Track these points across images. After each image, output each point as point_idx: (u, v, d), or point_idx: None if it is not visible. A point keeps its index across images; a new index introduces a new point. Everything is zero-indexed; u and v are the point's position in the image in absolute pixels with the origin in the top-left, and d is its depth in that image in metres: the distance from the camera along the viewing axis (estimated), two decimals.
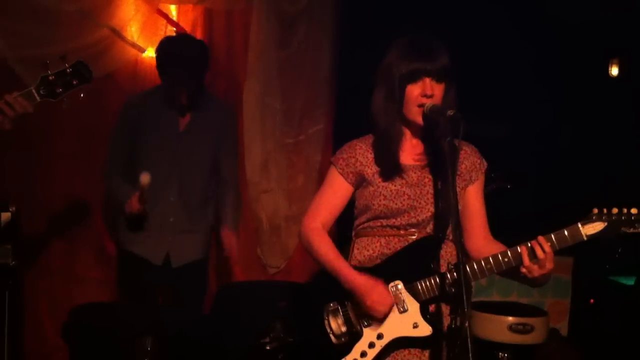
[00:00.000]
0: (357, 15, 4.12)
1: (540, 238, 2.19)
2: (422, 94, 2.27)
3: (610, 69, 5.37)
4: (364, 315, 2.29)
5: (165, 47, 3.32)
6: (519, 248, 2.21)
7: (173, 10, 3.84)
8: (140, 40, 3.64)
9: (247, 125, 3.76)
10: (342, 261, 2.36)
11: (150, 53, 3.69)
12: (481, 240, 2.42)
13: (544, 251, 2.17)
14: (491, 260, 2.23)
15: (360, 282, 2.27)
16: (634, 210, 2.16)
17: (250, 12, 3.83)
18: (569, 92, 5.25)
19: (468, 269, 2.23)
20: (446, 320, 2.24)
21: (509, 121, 5.47)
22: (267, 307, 3.03)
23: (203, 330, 2.96)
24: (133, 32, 3.64)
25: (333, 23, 4.05)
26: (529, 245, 2.19)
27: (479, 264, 2.24)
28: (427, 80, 2.27)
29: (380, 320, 2.27)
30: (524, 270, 2.20)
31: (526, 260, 2.19)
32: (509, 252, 2.22)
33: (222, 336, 3.04)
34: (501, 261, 2.22)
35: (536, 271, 2.19)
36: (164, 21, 3.79)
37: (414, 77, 2.28)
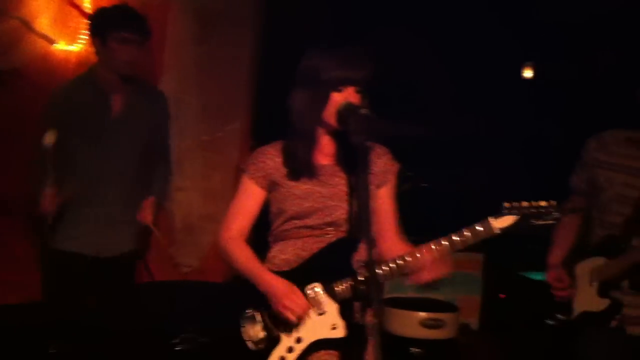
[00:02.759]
0: (279, 13, 4.12)
1: (426, 246, 2.25)
2: (346, 100, 2.28)
3: (523, 71, 5.57)
4: (282, 320, 2.29)
5: (109, 10, 3.23)
6: (417, 252, 2.26)
7: (87, 2, 3.73)
8: (51, 32, 3.52)
9: None
10: (259, 266, 2.36)
11: (61, 46, 3.58)
12: (391, 241, 2.45)
13: (431, 257, 2.23)
14: (396, 262, 2.26)
15: (275, 286, 2.28)
16: (542, 203, 2.23)
17: (168, 7, 3.76)
18: (485, 93, 5.40)
19: (383, 269, 2.26)
20: (361, 319, 2.27)
21: (427, 121, 5.59)
22: (179, 308, 3.00)
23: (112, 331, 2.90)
24: (44, 23, 3.51)
25: (254, 20, 4.02)
26: (426, 248, 2.25)
27: (387, 264, 2.27)
28: (352, 88, 2.29)
29: (296, 324, 2.27)
30: (413, 277, 2.27)
31: (415, 266, 2.24)
32: (408, 256, 2.26)
33: (132, 336, 2.99)
34: (402, 264, 2.26)
35: (425, 277, 2.25)
36: (77, 13, 3.68)
37: (341, 85, 2.29)
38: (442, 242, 2.26)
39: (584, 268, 2.98)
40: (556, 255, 3.09)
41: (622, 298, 2.88)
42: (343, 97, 2.29)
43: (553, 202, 2.25)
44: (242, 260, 2.39)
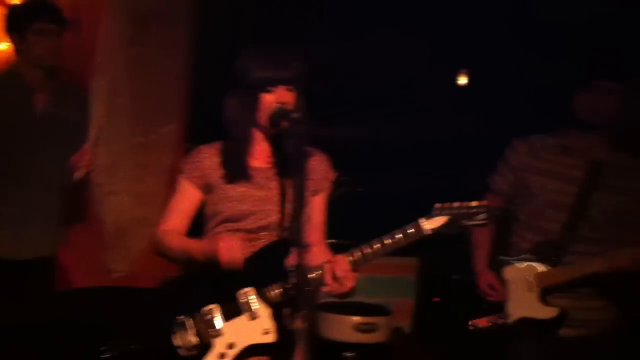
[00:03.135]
0: (214, 14, 4.08)
1: (340, 256, 2.25)
2: (277, 101, 2.29)
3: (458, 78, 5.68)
4: (213, 326, 2.27)
5: (23, 5, 3.22)
6: (324, 265, 2.26)
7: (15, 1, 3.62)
8: None
9: (94, 124, 3.62)
10: (191, 240, 2.35)
11: None
12: (316, 249, 2.42)
13: (342, 270, 2.23)
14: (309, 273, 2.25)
15: (209, 248, 2.24)
16: (473, 204, 2.27)
17: (100, 8, 3.69)
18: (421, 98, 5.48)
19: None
20: (293, 324, 2.25)
21: (365, 125, 5.64)
22: (108, 314, 2.93)
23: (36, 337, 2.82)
24: None
25: (188, 21, 3.97)
26: (331, 264, 2.24)
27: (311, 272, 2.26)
28: (282, 88, 2.29)
29: (230, 328, 2.25)
30: (326, 289, 2.27)
31: (328, 278, 2.25)
32: (317, 269, 2.26)
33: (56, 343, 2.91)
34: (314, 277, 2.26)
35: (337, 289, 2.25)
36: (3, 10, 3.57)
37: (269, 85, 2.28)
38: (355, 253, 2.26)
39: (515, 272, 2.97)
40: (481, 259, 3.10)
41: (560, 303, 2.88)
42: (274, 97, 2.29)
43: (483, 203, 2.29)
44: (176, 243, 2.37)
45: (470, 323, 3.03)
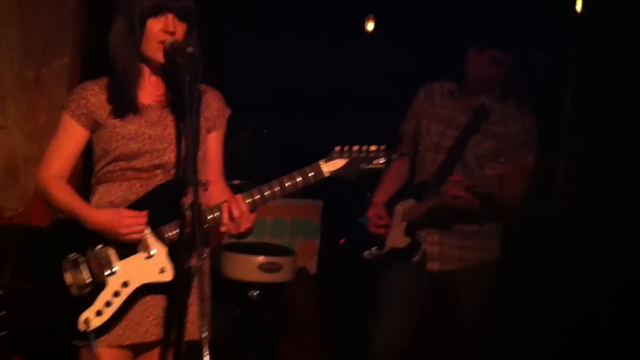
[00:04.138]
0: None
1: (238, 196, 2.24)
2: (164, 29, 2.20)
3: (366, 24, 5.64)
4: (108, 264, 2.21)
5: None
6: (222, 205, 2.24)
7: None
8: None
9: None
10: (82, 203, 2.26)
11: None
12: (215, 187, 2.42)
13: (239, 210, 2.22)
14: (206, 212, 2.24)
15: (104, 218, 2.19)
16: (372, 148, 2.28)
17: None
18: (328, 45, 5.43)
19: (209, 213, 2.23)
20: (187, 263, 2.22)
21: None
22: None
23: None
24: None
25: None
26: (228, 204, 2.23)
27: (209, 212, 2.25)
28: (170, 16, 2.20)
29: (125, 266, 2.21)
30: (223, 228, 2.25)
31: (225, 218, 2.23)
32: (215, 209, 2.25)
33: None
34: (212, 216, 2.24)
35: (233, 230, 2.25)
36: None
37: (156, 12, 2.19)
38: (254, 194, 2.24)
39: (399, 209, 3.15)
40: (380, 195, 3.23)
41: (425, 237, 3.08)
42: (161, 26, 2.20)
43: (382, 147, 2.30)
44: (61, 198, 2.27)
45: (362, 255, 3.20)
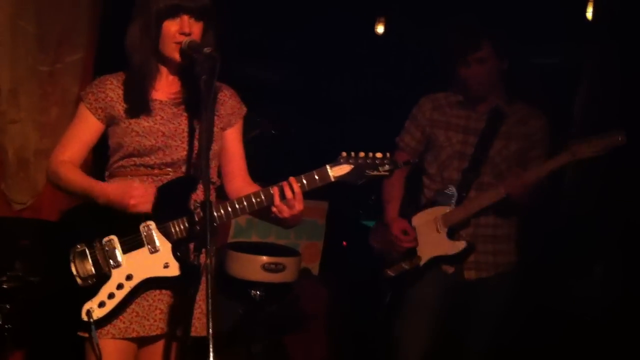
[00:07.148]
0: None
1: (291, 179, 2.27)
2: (180, 31, 2.24)
3: (376, 27, 5.67)
4: (112, 257, 2.24)
5: None
6: (271, 189, 2.28)
7: None
8: None
9: None
10: (93, 180, 2.30)
11: None
12: (240, 182, 2.47)
13: (292, 192, 2.25)
14: (244, 200, 2.27)
15: (113, 191, 2.23)
16: (378, 155, 2.32)
17: None
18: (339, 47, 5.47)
19: (225, 209, 2.26)
20: (195, 260, 2.25)
21: (279, 66, 5.59)
22: (7, 245, 2.85)
23: None
24: None
25: None
26: (280, 185, 2.27)
27: (232, 204, 2.27)
28: (186, 17, 2.24)
29: (129, 260, 2.23)
30: (274, 210, 2.27)
31: (277, 200, 2.26)
32: (261, 193, 2.28)
33: None
34: (254, 201, 2.27)
35: (286, 211, 2.27)
36: None
37: (171, 13, 2.23)
38: (303, 180, 2.27)
39: (423, 218, 3.16)
40: (393, 209, 3.25)
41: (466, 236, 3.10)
42: (178, 27, 2.24)
43: (388, 154, 2.34)
44: (74, 179, 2.31)
45: (384, 273, 3.21)
